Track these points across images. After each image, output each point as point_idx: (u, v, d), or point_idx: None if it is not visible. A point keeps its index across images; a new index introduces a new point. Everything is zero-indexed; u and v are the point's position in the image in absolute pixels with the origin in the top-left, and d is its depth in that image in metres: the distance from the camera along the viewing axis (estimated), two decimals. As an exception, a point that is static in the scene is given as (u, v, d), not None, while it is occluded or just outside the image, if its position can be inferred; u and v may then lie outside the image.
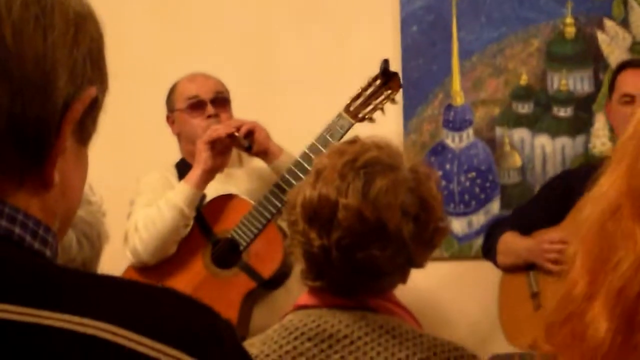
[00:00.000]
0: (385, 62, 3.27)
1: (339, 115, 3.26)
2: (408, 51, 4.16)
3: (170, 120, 3.57)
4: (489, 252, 3.70)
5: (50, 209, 0.95)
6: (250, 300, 3.31)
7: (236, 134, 3.28)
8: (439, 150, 4.16)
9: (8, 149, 0.91)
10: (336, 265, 1.88)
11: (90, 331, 0.84)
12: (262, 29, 4.28)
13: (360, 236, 1.85)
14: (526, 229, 3.60)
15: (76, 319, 0.85)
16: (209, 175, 3.30)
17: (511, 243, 3.61)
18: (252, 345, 1.91)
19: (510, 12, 4.10)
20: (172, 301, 0.92)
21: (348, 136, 3.14)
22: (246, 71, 4.20)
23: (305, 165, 3.18)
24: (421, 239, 1.91)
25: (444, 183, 4.08)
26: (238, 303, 3.25)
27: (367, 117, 3.27)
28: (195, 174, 3.29)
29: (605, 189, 0.91)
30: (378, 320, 1.88)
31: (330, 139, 3.20)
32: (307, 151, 3.23)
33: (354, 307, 1.91)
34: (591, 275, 0.90)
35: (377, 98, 3.28)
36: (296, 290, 3.27)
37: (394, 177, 1.88)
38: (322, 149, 3.17)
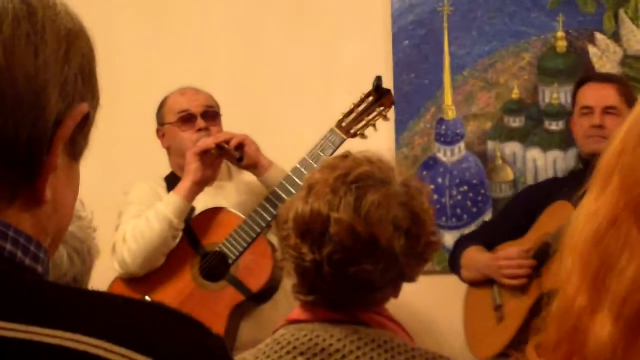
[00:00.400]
0: (379, 79, 3.27)
1: (331, 131, 3.27)
2: (400, 65, 4.17)
3: (161, 133, 3.56)
4: (453, 266, 3.75)
5: (42, 226, 0.95)
6: (238, 314, 3.29)
7: (226, 146, 3.28)
8: (431, 164, 4.16)
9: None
10: (328, 280, 1.88)
11: (82, 347, 0.84)
12: (254, 42, 4.28)
13: (352, 251, 1.85)
14: (491, 244, 3.64)
15: (68, 335, 0.84)
16: (198, 187, 3.29)
17: (472, 258, 3.67)
18: (244, 360, 1.91)
19: (501, 26, 4.11)
20: (163, 317, 0.92)
21: (340, 152, 3.14)
22: (237, 83, 4.20)
23: (297, 180, 3.18)
24: (413, 253, 1.91)
25: (436, 197, 4.08)
26: (226, 316, 3.23)
27: (359, 133, 3.28)
28: (184, 185, 3.28)
29: (596, 206, 0.90)
30: (370, 335, 1.88)
31: (322, 155, 3.21)
32: (298, 166, 3.23)
33: (346, 321, 1.91)
34: (592, 289, 0.89)
35: (369, 115, 3.29)
36: (284, 304, 3.27)
37: (386, 192, 1.88)
38: (314, 164, 3.17)
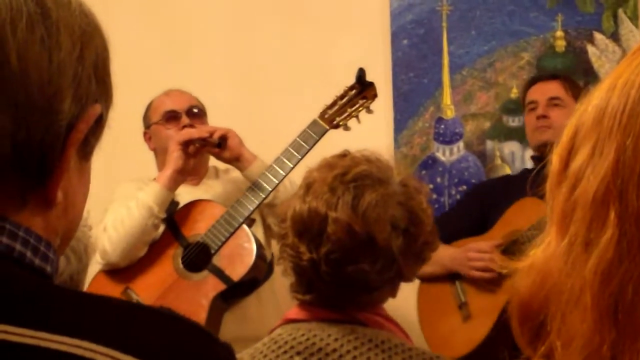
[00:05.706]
0: (361, 71, 3.26)
1: (314, 122, 3.25)
2: (399, 64, 4.17)
3: (147, 136, 3.56)
4: None
5: (52, 227, 0.94)
6: (220, 304, 3.25)
7: (207, 137, 3.28)
8: (430, 163, 4.16)
9: (11, 172, 0.89)
10: (325, 279, 1.87)
11: (88, 354, 0.83)
12: (251, 41, 4.28)
13: (350, 250, 1.84)
14: (445, 239, 3.59)
15: (75, 341, 0.84)
16: (179, 176, 3.28)
17: None
18: (240, 359, 1.90)
19: (500, 25, 4.10)
20: (172, 325, 0.91)
21: (321, 143, 3.14)
22: (234, 81, 4.20)
23: (279, 170, 3.18)
24: (411, 253, 1.91)
25: (434, 196, 4.08)
26: (207, 305, 3.19)
27: (341, 124, 3.26)
28: (165, 174, 3.27)
29: (580, 245, 0.84)
30: (367, 334, 1.88)
31: (304, 145, 3.20)
32: (281, 157, 3.22)
33: (343, 320, 1.90)
34: (612, 325, 0.82)
35: (352, 106, 3.27)
36: (270, 302, 3.27)
37: (384, 191, 1.87)
38: (296, 154, 3.18)
